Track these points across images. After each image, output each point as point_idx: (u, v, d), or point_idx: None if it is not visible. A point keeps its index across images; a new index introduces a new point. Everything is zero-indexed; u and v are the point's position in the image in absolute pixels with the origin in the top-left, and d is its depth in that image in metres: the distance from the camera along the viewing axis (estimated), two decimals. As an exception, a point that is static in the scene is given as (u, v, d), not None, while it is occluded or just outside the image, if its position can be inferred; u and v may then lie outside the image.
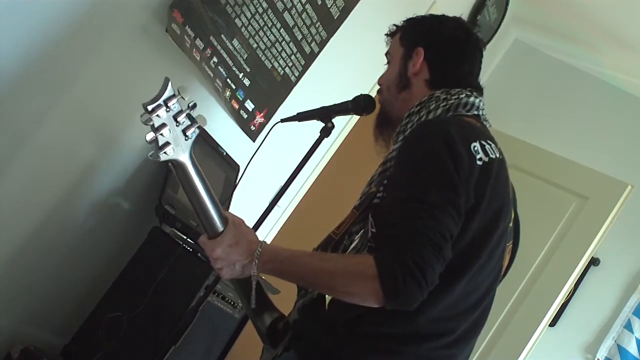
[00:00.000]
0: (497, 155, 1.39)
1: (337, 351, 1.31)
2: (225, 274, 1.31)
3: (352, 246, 1.37)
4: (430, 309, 1.28)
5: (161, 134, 1.13)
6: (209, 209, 1.26)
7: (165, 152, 1.15)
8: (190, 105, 1.18)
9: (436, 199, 1.22)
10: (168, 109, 1.13)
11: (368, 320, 1.29)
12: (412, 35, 1.58)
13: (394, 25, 1.64)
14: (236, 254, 1.28)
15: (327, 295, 1.37)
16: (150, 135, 1.13)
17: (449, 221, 1.22)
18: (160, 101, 1.12)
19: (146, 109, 1.11)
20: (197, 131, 1.19)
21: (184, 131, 1.17)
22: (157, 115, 1.12)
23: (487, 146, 1.37)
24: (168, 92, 1.13)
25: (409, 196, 1.25)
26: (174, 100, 1.14)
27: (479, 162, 1.31)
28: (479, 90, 1.53)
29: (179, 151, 1.17)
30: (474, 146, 1.33)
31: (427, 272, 1.16)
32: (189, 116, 1.17)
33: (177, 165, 1.19)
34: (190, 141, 1.18)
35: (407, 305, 1.18)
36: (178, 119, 1.15)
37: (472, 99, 1.47)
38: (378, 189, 1.35)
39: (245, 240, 1.29)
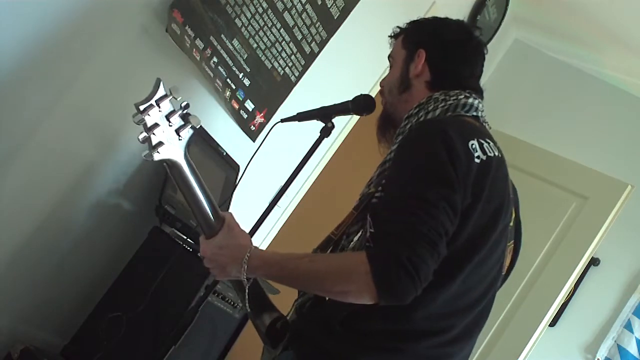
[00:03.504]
0: (496, 154, 1.39)
1: (336, 350, 1.31)
2: (216, 275, 1.33)
3: (350, 246, 1.37)
4: (426, 306, 1.28)
5: (154, 134, 1.14)
6: (205, 209, 1.28)
7: (158, 152, 1.16)
8: (182, 105, 1.19)
9: (432, 196, 1.23)
10: (160, 109, 1.14)
11: (364, 317, 1.29)
12: (414, 38, 1.59)
13: (397, 27, 1.65)
14: (224, 256, 1.29)
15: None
16: (142, 135, 1.14)
17: (444, 218, 1.22)
18: (152, 101, 1.13)
19: (138, 109, 1.13)
20: (191, 131, 1.20)
21: (177, 131, 1.18)
22: (149, 115, 1.13)
23: (485, 144, 1.37)
24: (160, 92, 1.14)
25: (405, 194, 1.25)
26: (166, 101, 1.15)
27: (476, 160, 1.31)
28: (478, 92, 1.54)
29: (173, 151, 1.18)
30: (472, 144, 1.33)
31: (420, 267, 1.17)
32: (182, 116, 1.18)
33: (171, 165, 1.21)
34: (183, 141, 1.19)
35: (401, 301, 1.19)
36: (170, 119, 1.16)
37: (470, 100, 1.47)
38: (377, 189, 1.35)
39: (234, 244, 1.29)
